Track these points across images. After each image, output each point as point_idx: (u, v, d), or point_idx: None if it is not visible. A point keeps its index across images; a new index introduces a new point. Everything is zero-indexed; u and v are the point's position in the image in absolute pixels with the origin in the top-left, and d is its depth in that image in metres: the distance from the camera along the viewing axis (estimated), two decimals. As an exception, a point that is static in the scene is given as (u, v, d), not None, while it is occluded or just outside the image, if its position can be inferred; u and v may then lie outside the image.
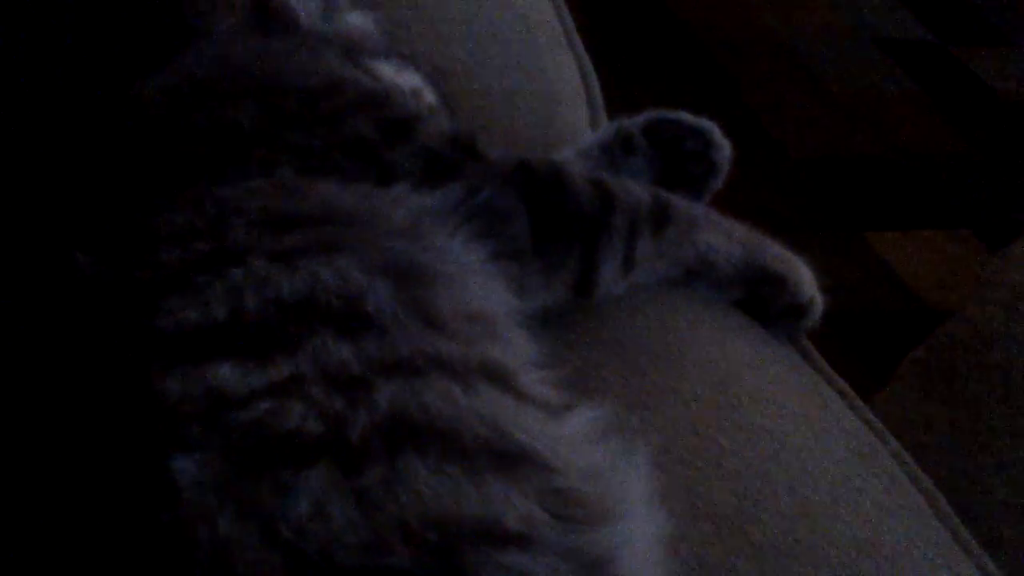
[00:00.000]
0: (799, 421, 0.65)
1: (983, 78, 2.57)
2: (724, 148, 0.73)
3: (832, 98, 2.36)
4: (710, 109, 2.37)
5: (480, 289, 0.54)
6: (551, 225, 0.60)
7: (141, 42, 0.64)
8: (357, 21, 0.73)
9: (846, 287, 1.88)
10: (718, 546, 0.56)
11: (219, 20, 0.66)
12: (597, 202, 0.62)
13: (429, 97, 0.70)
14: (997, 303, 1.31)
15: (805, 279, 0.71)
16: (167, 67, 0.62)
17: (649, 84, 2.19)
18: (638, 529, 0.47)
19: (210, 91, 0.60)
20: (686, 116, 0.74)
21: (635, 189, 0.65)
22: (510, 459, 0.44)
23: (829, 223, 2.02)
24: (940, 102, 2.45)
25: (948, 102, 2.46)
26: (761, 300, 0.71)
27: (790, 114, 2.28)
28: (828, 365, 0.76)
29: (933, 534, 0.65)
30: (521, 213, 0.59)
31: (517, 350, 0.52)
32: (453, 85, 0.80)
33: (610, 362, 0.62)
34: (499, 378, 0.47)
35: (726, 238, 0.68)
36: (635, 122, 0.74)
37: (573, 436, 0.48)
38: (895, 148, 2.28)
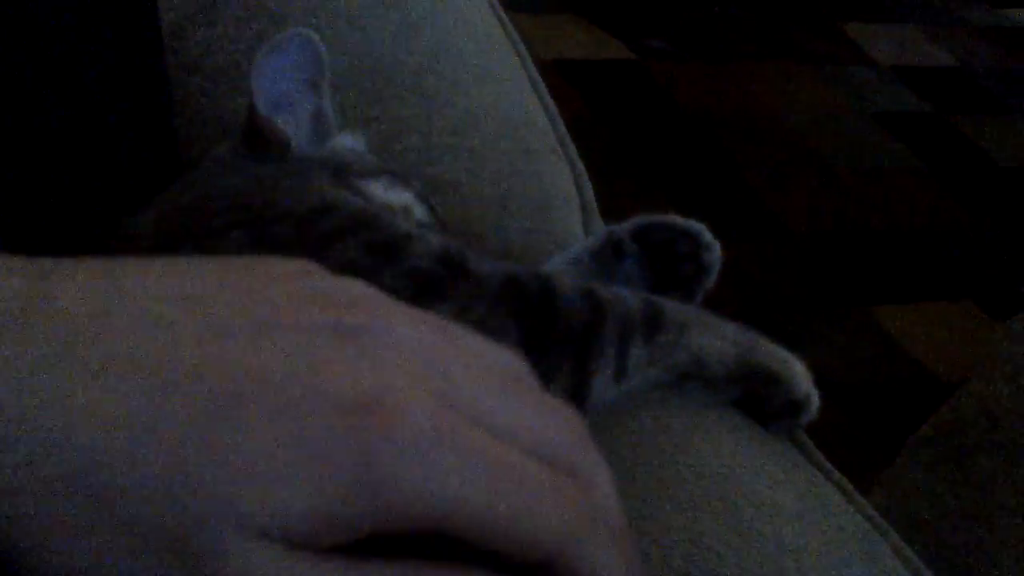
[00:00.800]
0: (798, 522, 0.65)
1: (983, 147, 2.60)
2: (714, 248, 0.74)
3: (833, 174, 2.39)
4: (713, 190, 2.39)
5: None
6: (542, 340, 0.61)
7: (134, 177, 0.66)
8: (348, 142, 0.74)
9: (851, 361, 1.89)
10: (719, 654, 0.56)
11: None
12: (587, 313, 0.63)
13: (418, 214, 0.71)
14: (1002, 378, 1.31)
15: (800, 376, 0.71)
16: (158, 199, 0.64)
17: (653, 169, 2.22)
18: None
19: (198, 222, 0.61)
20: (675, 219, 0.75)
21: (626, 297, 0.66)
22: None
23: (833, 298, 2.03)
24: (940, 173, 2.47)
25: (948, 173, 2.48)
26: (757, 398, 0.71)
27: (792, 191, 2.30)
28: (827, 452, 0.76)
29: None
30: (512, 329, 0.60)
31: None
32: (446, 195, 0.81)
33: (607, 471, 0.63)
34: None
35: (719, 339, 0.68)
36: (625, 228, 0.75)
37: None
38: (897, 221, 2.29)
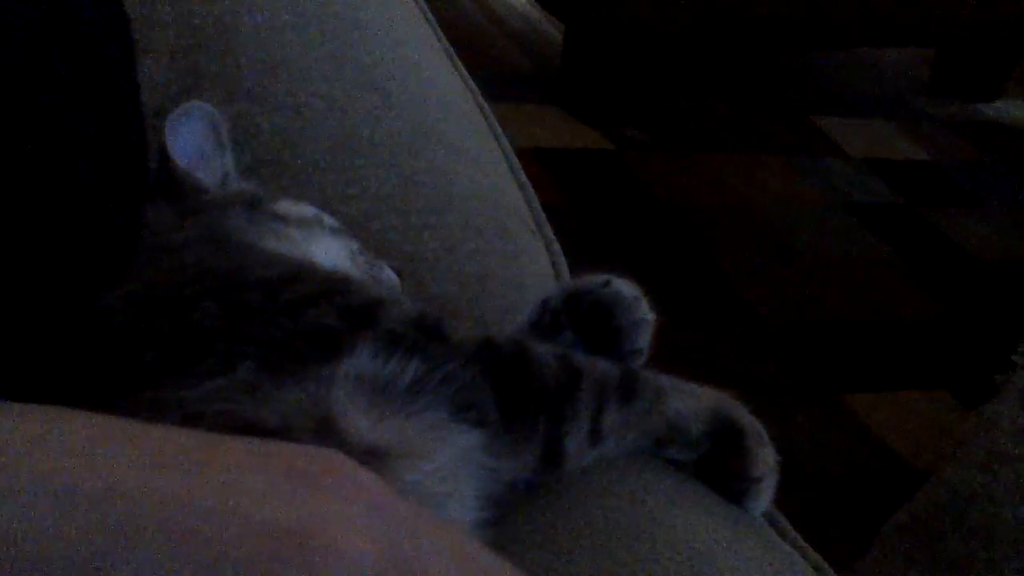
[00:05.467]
0: (772, 598, 0.65)
1: (953, 239, 2.62)
2: (635, 310, 0.72)
3: (805, 263, 2.41)
4: (687, 277, 2.39)
5: None
6: (515, 400, 0.61)
7: (106, 256, 0.67)
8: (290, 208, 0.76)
9: (823, 449, 1.90)
10: None
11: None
12: (563, 376, 0.63)
13: (329, 221, 0.75)
14: (974, 464, 1.31)
15: (765, 440, 0.71)
16: (129, 274, 0.64)
17: (628, 256, 2.23)
18: None
19: (171, 296, 0.62)
20: (599, 286, 0.73)
21: (602, 364, 0.66)
22: None
23: (806, 387, 2.04)
24: (911, 263, 2.49)
25: (919, 263, 2.50)
26: (723, 455, 0.71)
27: (764, 280, 2.32)
28: (802, 538, 0.76)
29: None
30: (486, 388, 0.60)
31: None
32: (424, 272, 0.82)
33: (582, 545, 0.63)
34: None
35: (694, 401, 0.69)
36: (557, 296, 0.73)
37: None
38: (869, 311, 2.31)
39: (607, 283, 0.72)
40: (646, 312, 0.72)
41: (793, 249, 2.44)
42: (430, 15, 1.10)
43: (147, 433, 0.38)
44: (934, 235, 2.62)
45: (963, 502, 1.27)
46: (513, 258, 0.87)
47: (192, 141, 0.76)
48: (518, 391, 0.62)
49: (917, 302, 2.37)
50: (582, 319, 0.72)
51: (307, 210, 0.75)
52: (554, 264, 0.90)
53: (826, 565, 0.73)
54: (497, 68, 2.88)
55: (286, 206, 0.74)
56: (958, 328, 2.30)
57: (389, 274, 0.76)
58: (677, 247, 2.36)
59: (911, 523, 1.31)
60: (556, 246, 0.92)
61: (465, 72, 1.05)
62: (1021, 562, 1.18)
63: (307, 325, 0.59)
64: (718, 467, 0.71)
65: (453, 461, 0.58)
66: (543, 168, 2.46)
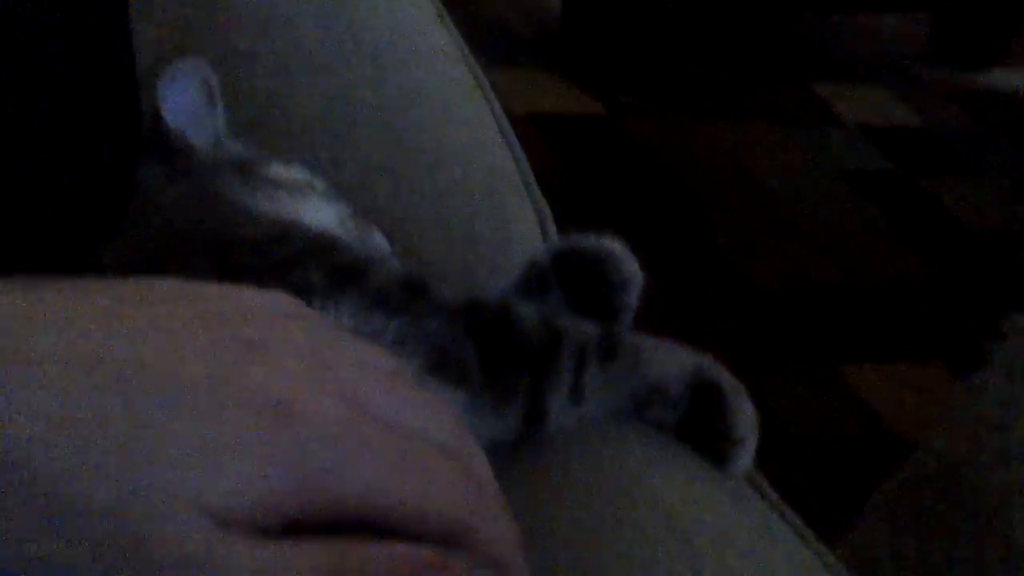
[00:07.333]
0: (748, 557, 0.66)
1: (948, 207, 2.63)
2: (625, 268, 0.73)
3: (800, 231, 2.41)
4: (684, 246, 2.39)
5: None
6: (499, 358, 0.63)
7: (88, 204, 0.67)
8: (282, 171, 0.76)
9: (818, 419, 1.91)
10: None
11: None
12: (546, 337, 0.64)
13: (319, 185, 0.76)
14: (962, 433, 1.32)
15: (746, 403, 0.72)
16: (122, 233, 0.65)
17: (623, 221, 2.23)
18: None
19: (163, 254, 0.64)
20: (589, 243, 0.74)
21: (584, 325, 0.67)
22: None
23: (801, 356, 2.05)
24: (905, 231, 2.50)
25: (914, 231, 2.51)
26: (704, 416, 0.71)
27: (758, 247, 2.33)
28: (782, 499, 0.77)
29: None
30: (469, 347, 0.62)
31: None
32: (414, 235, 0.83)
33: (563, 503, 0.64)
34: None
35: (674, 362, 0.69)
36: (544, 256, 0.75)
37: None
38: (862, 279, 2.32)
39: (597, 240, 0.74)
40: (636, 269, 0.73)
41: (787, 216, 2.45)
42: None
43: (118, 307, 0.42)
44: (929, 203, 2.63)
45: (950, 471, 1.28)
46: (501, 219, 0.88)
47: (184, 99, 0.75)
48: (501, 349, 0.63)
49: (911, 271, 2.37)
50: (571, 276, 0.73)
51: (299, 174, 0.76)
52: (542, 224, 0.91)
53: (805, 527, 0.74)
54: (496, 32, 2.87)
55: (277, 169, 0.75)
56: (952, 298, 2.31)
57: (379, 238, 0.77)
58: (672, 214, 2.37)
59: (899, 492, 1.32)
60: (544, 207, 0.93)
61: (456, 32, 1.05)
62: (1005, 526, 1.19)
63: (293, 283, 0.60)
64: (699, 428, 0.72)
65: None
66: (540, 134, 2.47)
